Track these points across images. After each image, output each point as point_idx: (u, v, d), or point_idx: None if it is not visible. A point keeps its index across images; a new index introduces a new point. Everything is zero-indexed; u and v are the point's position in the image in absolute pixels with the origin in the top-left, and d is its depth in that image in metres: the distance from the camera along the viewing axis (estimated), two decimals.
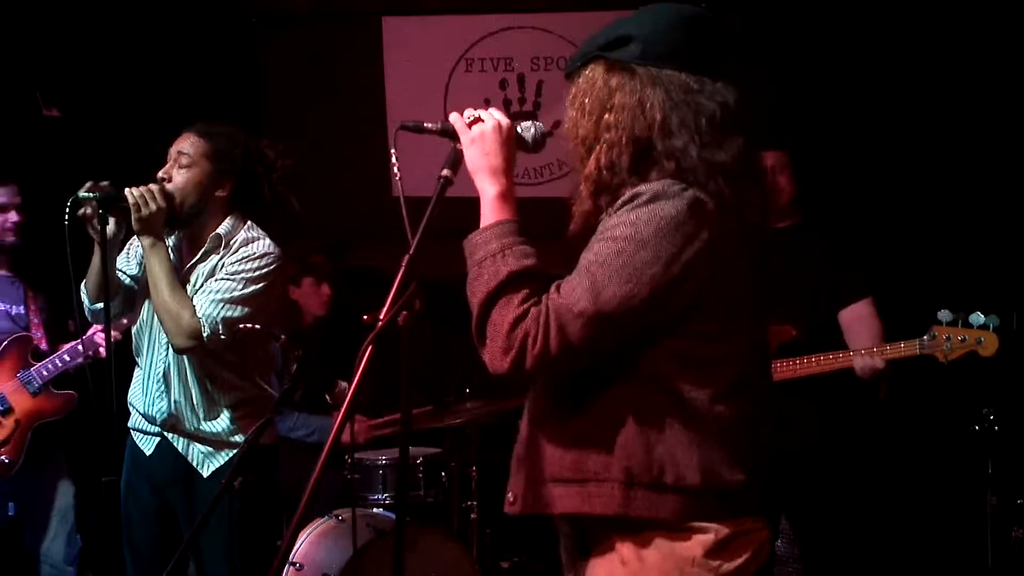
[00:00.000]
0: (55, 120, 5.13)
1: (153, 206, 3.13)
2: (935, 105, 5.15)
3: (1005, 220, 5.00)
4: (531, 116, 2.17)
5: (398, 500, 3.44)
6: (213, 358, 3.25)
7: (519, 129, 2.09)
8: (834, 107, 5.30)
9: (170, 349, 3.27)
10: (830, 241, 3.84)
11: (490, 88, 5.78)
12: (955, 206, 5.10)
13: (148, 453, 3.36)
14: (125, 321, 3.81)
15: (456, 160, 2.05)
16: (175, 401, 3.29)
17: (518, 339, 1.86)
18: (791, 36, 5.40)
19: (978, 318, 3.41)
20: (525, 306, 1.87)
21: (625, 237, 1.86)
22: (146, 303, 3.34)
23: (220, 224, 3.30)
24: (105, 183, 3.16)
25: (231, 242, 3.29)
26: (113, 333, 3.98)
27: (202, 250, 3.30)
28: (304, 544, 4.02)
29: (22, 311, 4.35)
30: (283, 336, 3.38)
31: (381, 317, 1.94)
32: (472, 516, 4.55)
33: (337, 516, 4.11)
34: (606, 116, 1.98)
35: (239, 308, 3.20)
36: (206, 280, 3.25)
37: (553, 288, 1.89)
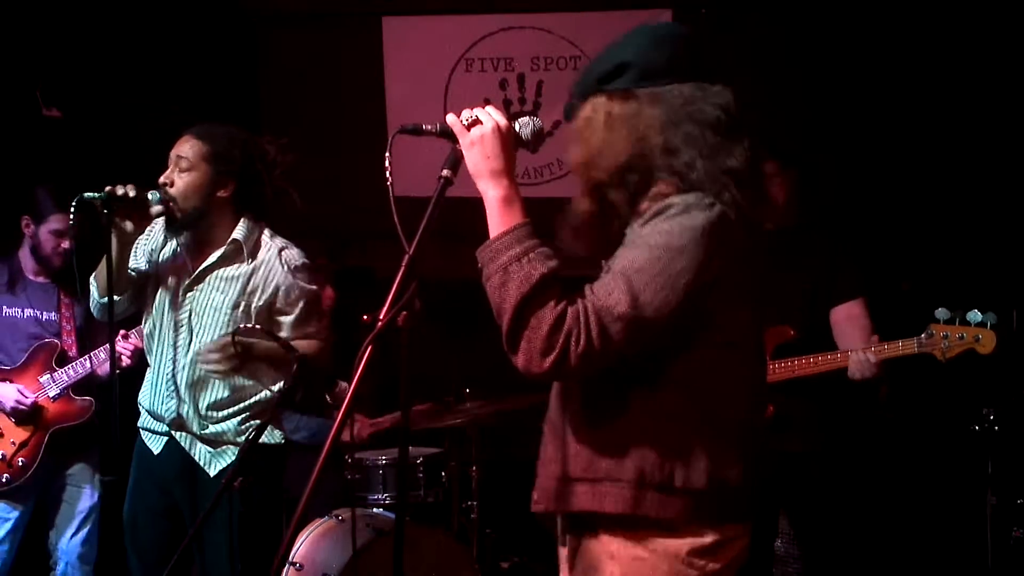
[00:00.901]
0: (55, 120, 5.12)
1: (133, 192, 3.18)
2: (934, 105, 5.15)
3: (1005, 219, 5.00)
4: (530, 116, 2.14)
5: (398, 500, 3.45)
6: None
7: (516, 125, 2.09)
8: (833, 108, 5.30)
9: (178, 352, 3.30)
10: (828, 242, 3.83)
11: (490, 88, 5.78)
12: (954, 205, 5.10)
13: (156, 452, 3.39)
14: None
15: (456, 160, 2.05)
16: (183, 402, 3.33)
17: (560, 340, 1.87)
18: (787, 38, 5.40)
19: (976, 315, 3.41)
20: (562, 307, 1.89)
21: (661, 245, 1.90)
22: (156, 305, 3.36)
23: (228, 225, 3.34)
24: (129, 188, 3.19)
25: (254, 251, 3.35)
26: (135, 341, 4.04)
27: (218, 253, 3.33)
28: (304, 544, 4.02)
29: (53, 317, 4.38)
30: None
31: (381, 317, 1.94)
32: (472, 516, 4.54)
33: (337, 516, 4.11)
34: (610, 145, 2.01)
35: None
36: (228, 285, 3.31)
37: (588, 291, 1.91)
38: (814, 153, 4.17)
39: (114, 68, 5.33)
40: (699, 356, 1.96)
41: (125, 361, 4.08)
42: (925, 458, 4.93)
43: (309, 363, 3.34)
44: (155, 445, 3.40)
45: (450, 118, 2.08)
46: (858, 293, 3.74)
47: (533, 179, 5.60)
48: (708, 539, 1.97)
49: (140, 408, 3.45)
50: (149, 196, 3.20)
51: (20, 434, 4.21)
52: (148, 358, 3.43)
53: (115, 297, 3.31)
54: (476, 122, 2.05)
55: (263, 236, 3.40)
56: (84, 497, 4.43)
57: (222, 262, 3.34)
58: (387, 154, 2.05)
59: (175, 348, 3.34)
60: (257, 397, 3.38)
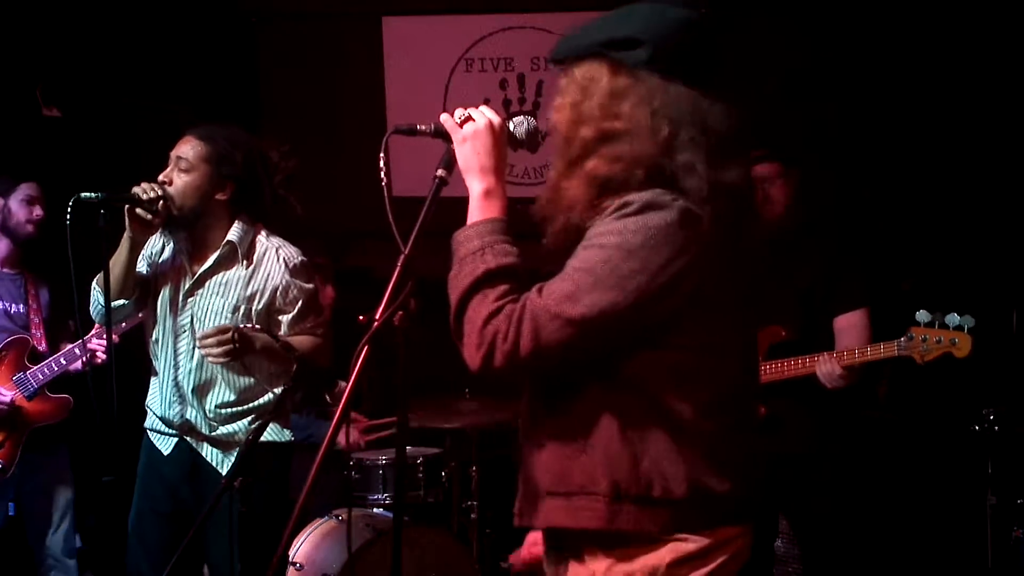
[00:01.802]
0: (55, 120, 5.13)
1: (152, 194, 3.19)
2: (935, 104, 5.14)
3: (1005, 219, 4.99)
4: (530, 116, 2.13)
5: (397, 500, 3.44)
6: (232, 365, 3.28)
7: (511, 124, 2.07)
8: (834, 108, 5.30)
9: (181, 357, 3.32)
10: (830, 246, 3.82)
11: (490, 88, 5.79)
12: (955, 205, 5.09)
13: (166, 453, 3.40)
14: (124, 325, 3.83)
15: (450, 160, 2.04)
16: (190, 406, 3.34)
17: (488, 335, 1.85)
18: (788, 39, 5.40)
19: (953, 319, 3.41)
20: (500, 303, 1.86)
21: (613, 245, 1.84)
22: (159, 309, 3.37)
23: (225, 227, 3.34)
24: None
25: (250, 253, 3.34)
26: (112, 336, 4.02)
27: (213, 257, 3.33)
28: (304, 544, 4.02)
29: (22, 309, 4.33)
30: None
31: (377, 317, 1.94)
32: (472, 516, 4.54)
33: (337, 516, 4.11)
34: (613, 124, 1.92)
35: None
36: (227, 289, 3.31)
37: (535, 289, 1.87)
38: (815, 154, 4.16)
39: (114, 68, 5.33)
40: (664, 360, 1.88)
41: (101, 357, 4.07)
42: (925, 458, 4.92)
43: (309, 361, 3.34)
44: (165, 446, 3.40)
45: (443, 116, 2.06)
46: (862, 303, 3.73)
47: (533, 179, 5.60)
48: (692, 546, 1.90)
49: (149, 411, 3.45)
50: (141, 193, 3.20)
51: None
52: (154, 364, 3.42)
53: (122, 301, 3.32)
54: (469, 119, 2.03)
55: (259, 237, 3.39)
56: (62, 492, 4.41)
57: (219, 265, 3.34)
58: (381, 154, 2.05)
59: (179, 353, 3.34)
60: (265, 398, 3.39)
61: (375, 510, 4.23)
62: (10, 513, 4.33)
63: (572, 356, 1.87)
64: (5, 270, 4.35)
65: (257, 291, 3.34)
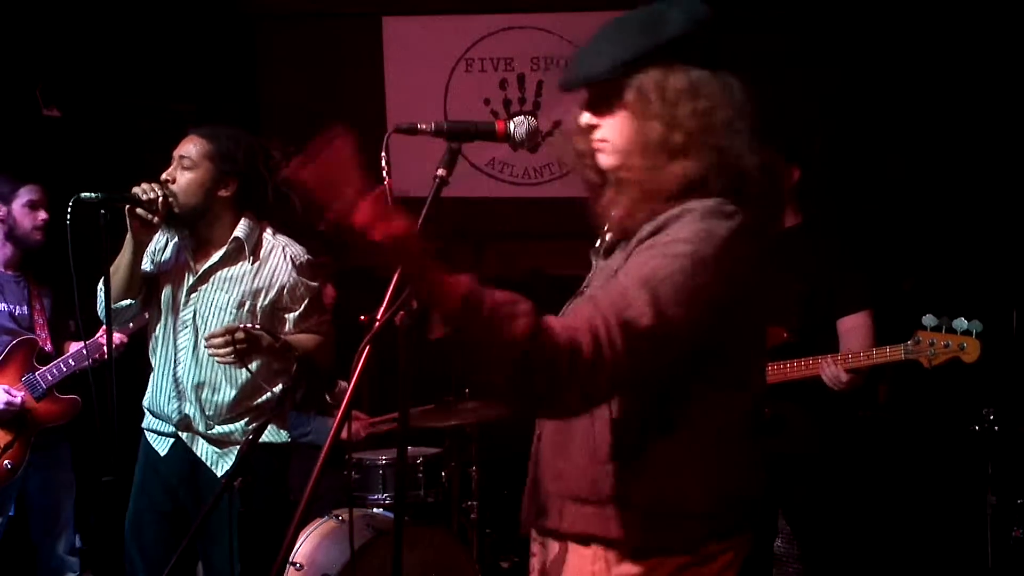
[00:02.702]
0: (55, 120, 5.13)
1: (153, 194, 3.19)
2: (936, 103, 5.15)
3: (1006, 219, 4.99)
4: (530, 116, 2.12)
5: (397, 500, 3.44)
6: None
7: (511, 124, 2.07)
8: (836, 107, 5.30)
9: (181, 354, 3.31)
10: (832, 243, 3.82)
11: (490, 88, 5.79)
12: (956, 205, 5.10)
13: (163, 453, 3.40)
14: (132, 325, 3.83)
15: (451, 160, 2.04)
16: (188, 402, 3.34)
17: (590, 360, 1.73)
18: (789, 38, 5.40)
19: (961, 323, 3.40)
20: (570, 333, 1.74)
21: (686, 255, 1.79)
22: (162, 306, 3.37)
23: (229, 225, 3.36)
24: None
25: (257, 249, 3.36)
26: (119, 336, 4.03)
27: (220, 252, 3.34)
28: (304, 544, 4.02)
29: (25, 311, 4.33)
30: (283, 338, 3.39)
31: (378, 317, 1.94)
32: (472, 516, 4.54)
33: (337, 516, 4.11)
34: (681, 121, 1.89)
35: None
36: (232, 285, 3.32)
37: (591, 305, 1.79)
38: (817, 152, 4.16)
39: (113, 67, 5.33)
40: (711, 372, 1.88)
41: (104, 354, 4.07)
42: (925, 458, 4.92)
43: (311, 359, 3.35)
44: (161, 447, 3.40)
45: None
46: (865, 305, 3.72)
47: (533, 179, 5.60)
48: (697, 554, 1.91)
49: (145, 410, 3.45)
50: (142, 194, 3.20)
51: (3, 437, 4.15)
52: (152, 359, 3.43)
53: (128, 300, 3.33)
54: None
55: (265, 234, 3.41)
56: (64, 492, 4.42)
57: (225, 261, 3.35)
58: (383, 153, 2.04)
59: (179, 349, 3.34)
60: (264, 397, 3.39)
61: (375, 510, 4.23)
62: (10, 513, 4.32)
63: (657, 367, 1.82)
64: (8, 272, 4.35)
65: (263, 288, 3.35)
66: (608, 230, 2.03)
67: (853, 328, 3.70)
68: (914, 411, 4.87)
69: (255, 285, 3.35)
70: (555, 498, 1.99)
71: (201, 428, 3.35)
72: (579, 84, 2.01)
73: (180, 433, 3.37)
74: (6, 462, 4.14)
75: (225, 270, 3.35)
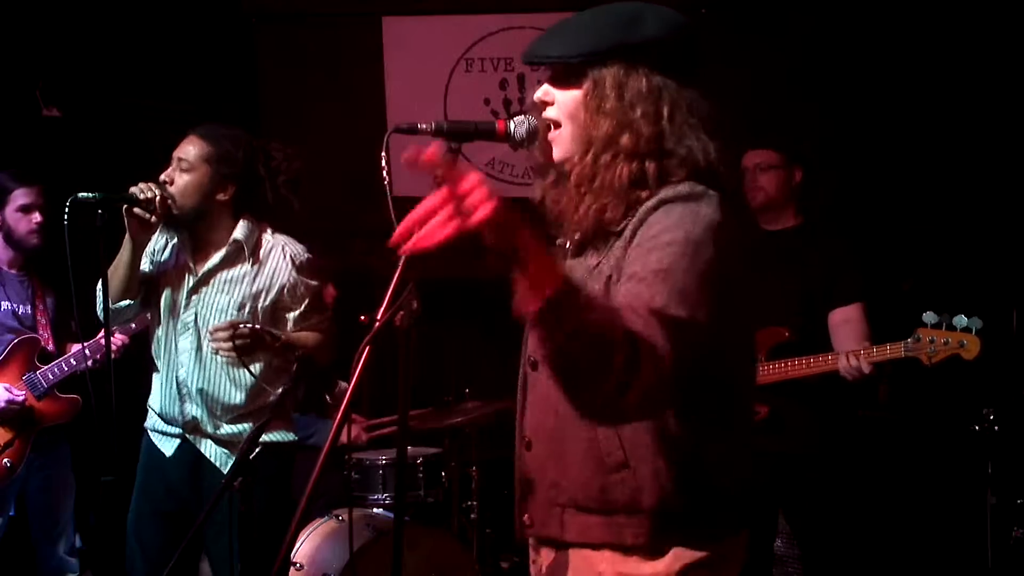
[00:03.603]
0: (55, 120, 5.12)
1: (150, 194, 3.19)
2: (936, 104, 5.15)
3: (1005, 219, 4.99)
4: (526, 115, 2.12)
5: (397, 500, 3.44)
6: (235, 363, 3.28)
7: (511, 124, 2.06)
8: (835, 107, 5.30)
9: (183, 356, 3.32)
10: (832, 244, 3.82)
11: (490, 88, 5.79)
12: (955, 205, 5.10)
13: (169, 454, 3.39)
14: (134, 326, 3.83)
15: (451, 160, 2.03)
16: (194, 404, 3.34)
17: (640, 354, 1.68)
18: (788, 38, 5.40)
19: (961, 320, 3.40)
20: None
21: (680, 240, 1.78)
22: (162, 308, 3.36)
23: (228, 226, 3.35)
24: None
25: (256, 250, 3.35)
26: (120, 336, 4.03)
27: (220, 254, 3.34)
28: (304, 544, 4.02)
29: (29, 311, 4.33)
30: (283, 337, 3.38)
31: (378, 318, 1.94)
32: (472, 516, 4.55)
33: (337, 516, 4.11)
34: (633, 123, 1.90)
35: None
36: (233, 286, 3.32)
37: (628, 308, 1.73)
38: (816, 152, 4.16)
39: (113, 68, 5.33)
40: (710, 364, 1.83)
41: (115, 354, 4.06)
42: (925, 458, 4.92)
43: (311, 358, 3.35)
44: (167, 447, 3.40)
45: None
46: (857, 298, 3.73)
47: (533, 179, 5.59)
48: (702, 554, 1.90)
49: (150, 410, 3.45)
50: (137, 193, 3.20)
51: (4, 435, 4.16)
52: (156, 362, 3.43)
53: (127, 301, 3.33)
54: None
55: (264, 235, 3.41)
56: (64, 491, 4.42)
57: (225, 263, 3.35)
58: (383, 153, 2.04)
59: (181, 351, 3.34)
60: (269, 398, 3.38)
61: (375, 510, 4.23)
62: (11, 513, 4.32)
63: (696, 355, 1.75)
64: (12, 272, 4.35)
65: (264, 288, 3.35)
66: (570, 228, 2.00)
67: (844, 321, 3.71)
68: (914, 411, 4.87)
69: (255, 287, 3.35)
70: (553, 507, 1.98)
71: (210, 429, 3.35)
72: (538, 61, 2.03)
73: (188, 435, 3.37)
74: (6, 460, 4.14)
75: (225, 272, 3.35)
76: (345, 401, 1.93)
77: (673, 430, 1.87)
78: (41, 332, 4.32)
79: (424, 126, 2.06)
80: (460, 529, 4.54)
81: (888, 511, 4.89)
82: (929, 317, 3.44)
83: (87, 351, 4.10)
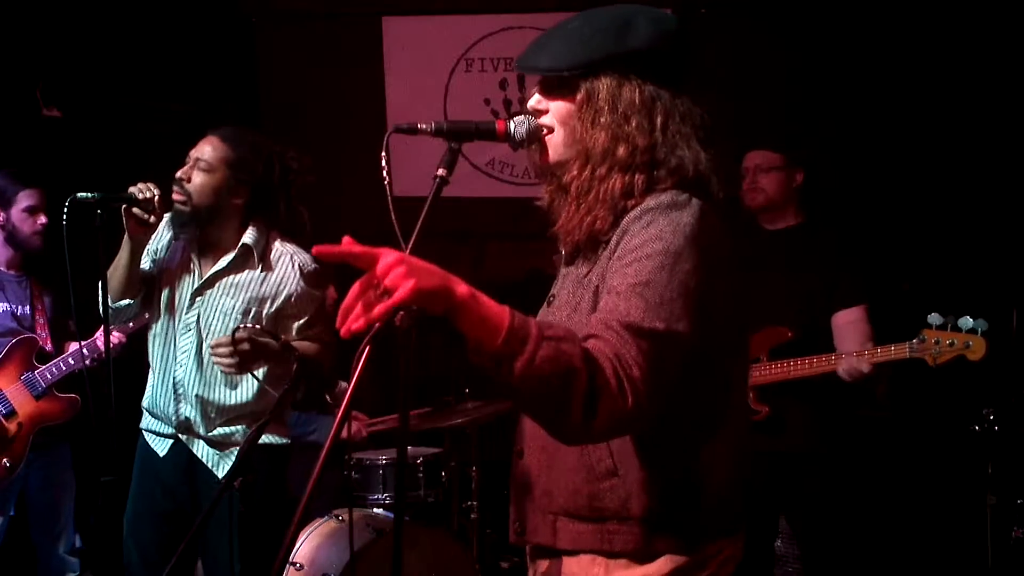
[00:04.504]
0: (55, 120, 5.13)
1: (149, 194, 3.19)
2: (936, 104, 5.15)
3: (1005, 219, 4.99)
4: (526, 115, 2.12)
5: (397, 500, 3.44)
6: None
7: (511, 124, 2.06)
8: (835, 107, 5.30)
9: (182, 356, 3.32)
10: (832, 243, 3.83)
11: (490, 88, 5.79)
12: (955, 205, 5.10)
13: (162, 454, 3.39)
14: (132, 325, 3.84)
15: (451, 160, 2.03)
16: (189, 404, 3.34)
17: (622, 378, 1.68)
18: (788, 38, 5.40)
19: (967, 322, 3.41)
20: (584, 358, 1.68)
21: (659, 252, 1.78)
22: (161, 306, 3.36)
23: (236, 230, 3.35)
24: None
25: (265, 256, 3.36)
26: (118, 336, 4.02)
27: (228, 258, 3.34)
28: (304, 544, 4.02)
29: (27, 311, 4.34)
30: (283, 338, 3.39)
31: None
32: (472, 516, 4.55)
33: (337, 516, 4.11)
34: (628, 136, 1.91)
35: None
36: (239, 291, 3.32)
37: (601, 324, 1.74)
38: (817, 152, 4.16)
39: (114, 68, 5.33)
40: (700, 368, 1.83)
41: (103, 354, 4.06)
42: (925, 458, 4.92)
43: (310, 362, 3.35)
44: (160, 447, 3.40)
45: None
46: (860, 300, 3.73)
47: (533, 179, 5.57)
48: (695, 556, 1.91)
49: (144, 410, 3.45)
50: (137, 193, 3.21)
51: (3, 435, 4.15)
52: (151, 360, 3.42)
53: (127, 300, 3.34)
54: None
55: (274, 243, 3.40)
56: (64, 491, 4.42)
57: (232, 268, 3.35)
58: (383, 153, 2.04)
59: (180, 351, 3.34)
60: (265, 399, 3.38)
61: (375, 510, 4.23)
62: (11, 513, 4.33)
63: (675, 371, 1.75)
64: (11, 272, 4.36)
65: (269, 295, 3.35)
66: (564, 238, 2.02)
67: (847, 323, 3.71)
68: (914, 411, 4.87)
69: (261, 292, 3.34)
70: (546, 515, 1.99)
71: (202, 430, 3.35)
72: (532, 72, 2.02)
73: (179, 435, 3.37)
74: (5, 460, 4.14)
75: (232, 276, 3.34)
76: (346, 400, 1.93)
77: (661, 437, 1.88)
78: (39, 332, 4.33)
79: (424, 126, 2.06)
80: (460, 529, 4.54)
81: (888, 511, 4.89)
82: (934, 318, 3.44)
83: (85, 351, 4.11)
